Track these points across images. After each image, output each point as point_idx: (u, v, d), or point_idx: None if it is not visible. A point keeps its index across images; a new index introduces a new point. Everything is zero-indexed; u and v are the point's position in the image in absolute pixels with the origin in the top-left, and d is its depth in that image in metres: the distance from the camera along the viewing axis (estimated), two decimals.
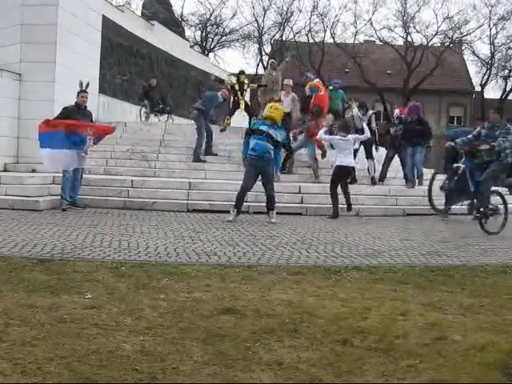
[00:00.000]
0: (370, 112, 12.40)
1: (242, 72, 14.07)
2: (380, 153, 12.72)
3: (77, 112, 8.69)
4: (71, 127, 8.44)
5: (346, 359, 2.89)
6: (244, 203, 8.64)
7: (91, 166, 10.50)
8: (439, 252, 6.22)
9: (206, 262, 5.13)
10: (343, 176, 9.63)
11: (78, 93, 8.85)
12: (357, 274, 4.89)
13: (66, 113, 8.64)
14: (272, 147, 8.24)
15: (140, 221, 7.77)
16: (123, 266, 4.76)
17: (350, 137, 9.78)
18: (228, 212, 8.30)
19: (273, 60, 16.40)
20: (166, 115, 15.36)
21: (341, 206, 9.48)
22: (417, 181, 11.88)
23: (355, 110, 11.69)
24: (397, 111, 12.68)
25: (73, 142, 8.45)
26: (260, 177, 8.39)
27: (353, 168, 9.87)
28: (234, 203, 8.26)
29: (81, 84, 8.92)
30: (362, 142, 11.45)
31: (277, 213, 8.40)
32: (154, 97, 14.86)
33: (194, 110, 12.01)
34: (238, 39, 40.53)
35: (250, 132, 8.55)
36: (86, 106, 8.97)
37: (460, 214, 9.80)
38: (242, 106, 13.32)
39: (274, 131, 8.31)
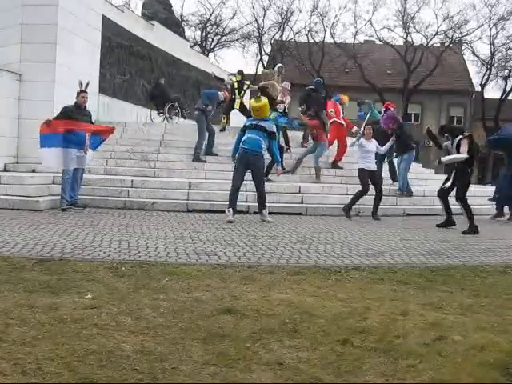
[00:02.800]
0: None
1: (240, 72, 14.09)
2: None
3: (76, 112, 8.69)
4: (70, 127, 8.45)
5: (346, 359, 2.89)
6: (244, 203, 8.62)
7: (91, 166, 10.49)
8: (439, 252, 6.22)
9: (206, 262, 5.13)
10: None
11: (78, 93, 8.85)
12: (357, 274, 4.89)
13: (66, 112, 8.64)
14: (263, 140, 8.25)
15: (140, 221, 7.77)
16: (123, 266, 4.76)
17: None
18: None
19: (281, 64, 16.38)
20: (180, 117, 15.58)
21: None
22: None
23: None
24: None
25: (72, 141, 8.46)
26: (251, 174, 8.33)
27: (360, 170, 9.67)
28: (227, 203, 8.24)
29: (80, 84, 8.92)
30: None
31: (277, 213, 8.39)
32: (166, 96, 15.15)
33: (195, 111, 12.04)
34: (237, 39, 40.64)
35: (244, 129, 8.48)
36: (85, 106, 8.97)
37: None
38: (237, 105, 13.31)
39: (264, 122, 8.36)
